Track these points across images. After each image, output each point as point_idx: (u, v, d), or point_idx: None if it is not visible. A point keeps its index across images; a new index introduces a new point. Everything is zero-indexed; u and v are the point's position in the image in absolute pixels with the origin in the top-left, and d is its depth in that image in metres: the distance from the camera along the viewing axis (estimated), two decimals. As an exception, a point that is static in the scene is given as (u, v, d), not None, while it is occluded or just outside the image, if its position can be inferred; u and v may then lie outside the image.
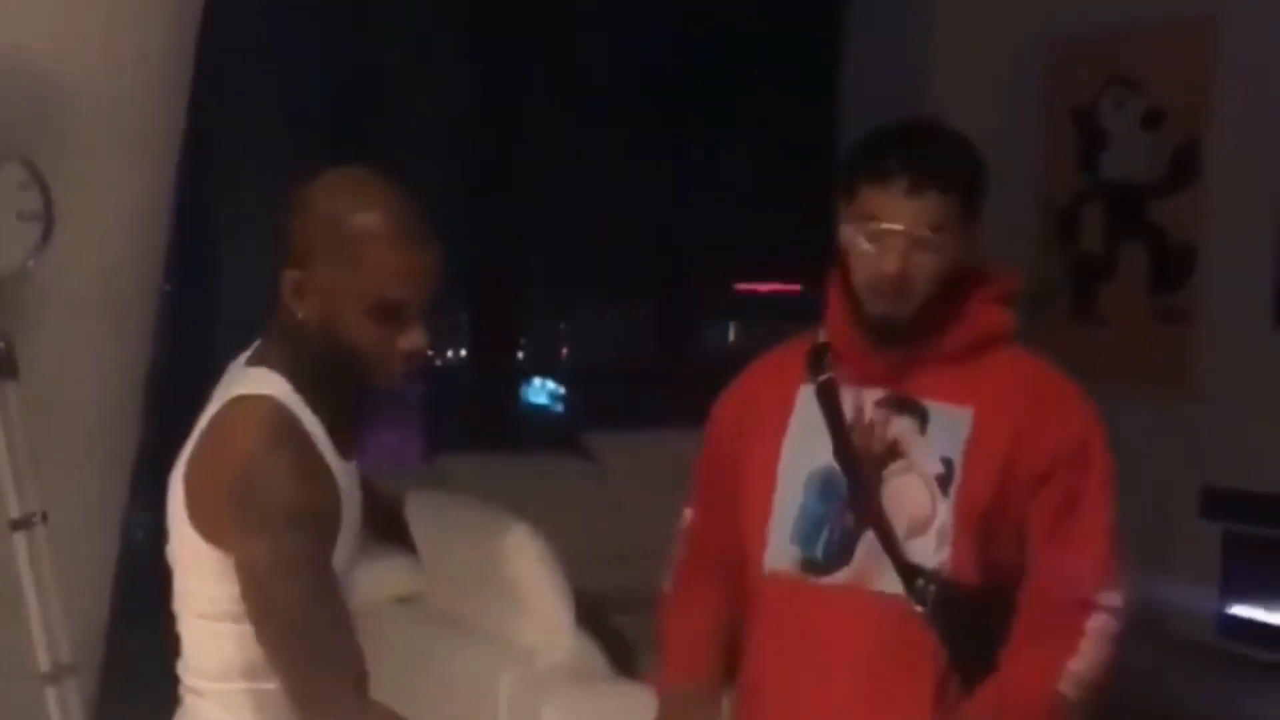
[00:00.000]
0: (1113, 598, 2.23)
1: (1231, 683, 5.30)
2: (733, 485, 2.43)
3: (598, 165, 10.76)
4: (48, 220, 3.55)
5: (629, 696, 3.68)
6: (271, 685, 1.89)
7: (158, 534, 2.00)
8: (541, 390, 12.66)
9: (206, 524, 1.88)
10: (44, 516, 3.56)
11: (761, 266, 11.43)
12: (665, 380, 11.29)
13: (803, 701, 2.30)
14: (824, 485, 2.31)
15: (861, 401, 2.31)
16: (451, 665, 4.09)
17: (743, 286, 12.05)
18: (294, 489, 1.82)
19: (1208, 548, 5.69)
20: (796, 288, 11.15)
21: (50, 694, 3.52)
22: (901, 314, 2.24)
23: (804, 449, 2.33)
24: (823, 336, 2.39)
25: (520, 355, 11.48)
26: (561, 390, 12.52)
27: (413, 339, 1.93)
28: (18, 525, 3.52)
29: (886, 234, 2.19)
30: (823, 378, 2.34)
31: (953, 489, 2.23)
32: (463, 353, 11.00)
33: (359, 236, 1.86)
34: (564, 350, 13.09)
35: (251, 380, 1.92)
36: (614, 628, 4.15)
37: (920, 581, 2.23)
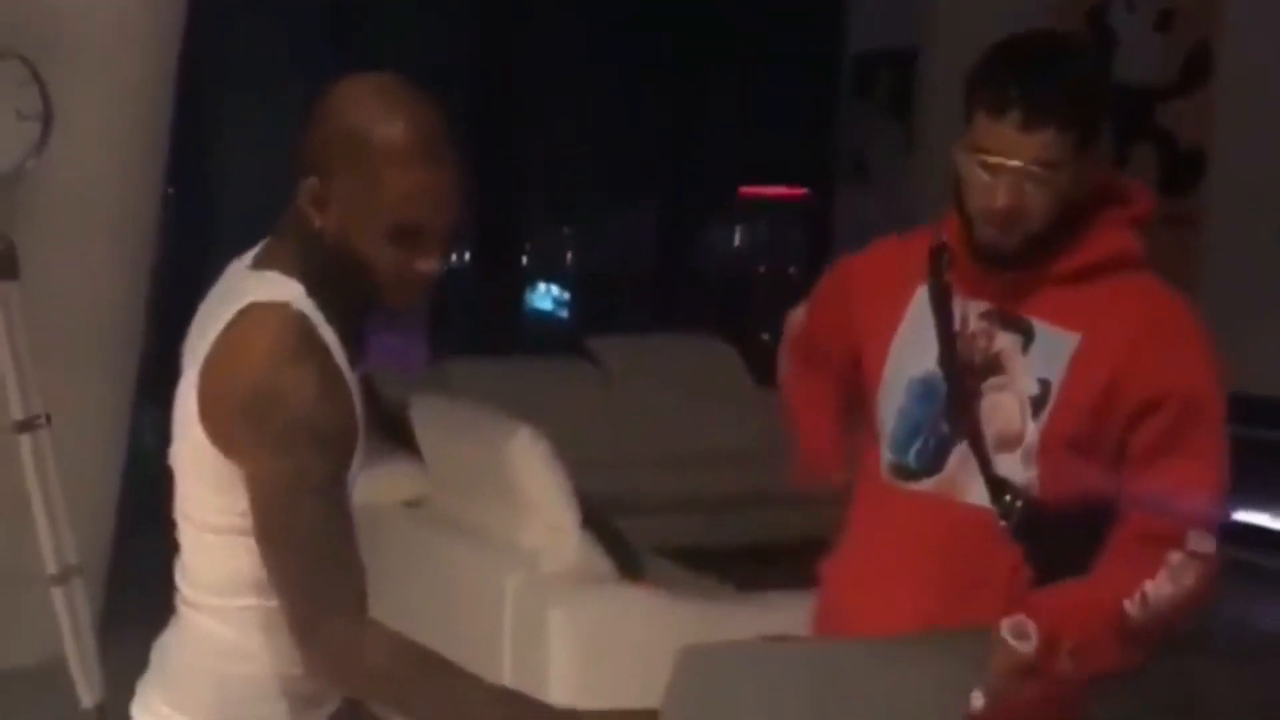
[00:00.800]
0: (1204, 542, 2.16)
1: (1238, 589, 5.32)
2: (841, 351, 2.44)
3: (603, 68, 10.66)
4: (46, 119, 3.52)
5: (634, 599, 3.73)
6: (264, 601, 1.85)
7: (167, 436, 1.98)
8: (546, 295, 12.62)
9: (220, 435, 1.82)
10: (48, 418, 3.57)
11: (766, 170, 11.36)
12: (670, 285, 11.27)
13: (880, 602, 2.29)
14: (925, 391, 2.28)
15: (968, 311, 2.27)
16: (456, 569, 4.11)
17: (747, 190, 11.98)
18: (316, 406, 1.76)
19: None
20: (802, 191, 11.11)
21: (57, 595, 3.55)
22: (1010, 244, 2.17)
23: (911, 352, 2.30)
24: (942, 235, 2.31)
25: (525, 260, 11.46)
26: (566, 296, 12.50)
27: (431, 262, 1.90)
28: (22, 427, 3.53)
29: (999, 167, 2.12)
30: (937, 281, 2.31)
31: (1044, 413, 2.17)
32: (467, 256, 10.98)
33: (381, 154, 1.79)
34: (569, 255, 13.05)
35: (266, 285, 1.85)
36: (618, 531, 4.15)
37: (1008, 497, 2.22)
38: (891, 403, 2.31)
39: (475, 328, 9.97)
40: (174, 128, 4.50)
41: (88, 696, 3.57)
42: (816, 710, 1.71)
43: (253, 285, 1.86)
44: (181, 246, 8.77)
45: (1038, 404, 2.21)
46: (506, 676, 3.77)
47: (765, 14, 10.26)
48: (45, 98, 3.50)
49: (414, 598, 3.91)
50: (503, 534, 3.98)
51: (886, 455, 2.31)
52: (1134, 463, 2.21)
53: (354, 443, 1.85)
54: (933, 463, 2.27)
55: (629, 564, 3.98)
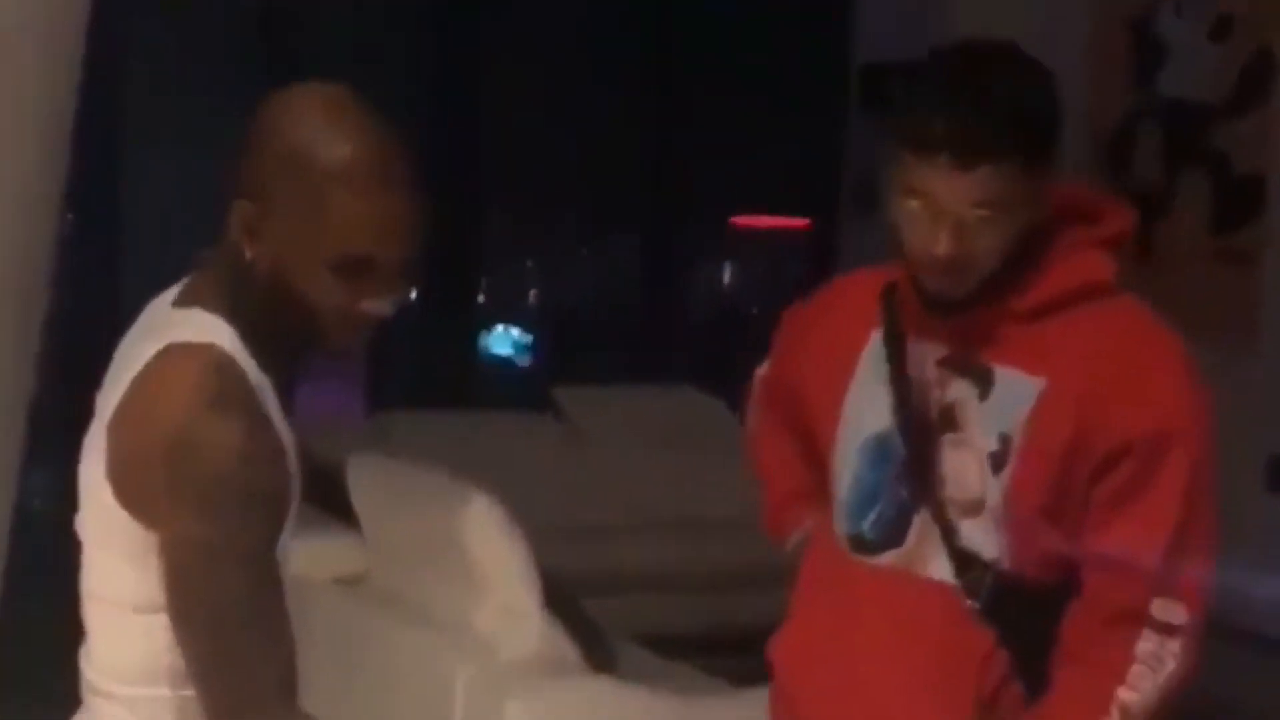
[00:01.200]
0: (1173, 611, 2.18)
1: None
2: (800, 411, 2.53)
3: (575, 78, 10.70)
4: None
5: (604, 694, 3.74)
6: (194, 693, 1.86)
7: (59, 502, 1.98)
8: (505, 338, 12.63)
9: (131, 496, 1.82)
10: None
11: (763, 197, 11.41)
12: (650, 329, 11.29)
13: (842, 691, 2.32)
14: (880, 451, 2.33)
15: (924, 358, 2.31)
16: (399, 658, 4.12)
17: (742, 221, 12.03)
18: (242, 461, 1.77)
19: (1277, 525, 5.72)
20: (803, 222, 11.15)
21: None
22: (957, 292, 2.22)
23: (865, 408, 2.35)
24: (897, 275, 2.38)
25: (480, 298, 11.47)
26: (529, 339, 12.51)
27: (380, 303, 1.91)
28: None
29: (937, 212, 2.13)
30: (890, 327, 2.35)
31: (1005, 472, 2.22)
32: (412, 293, 10.98)
33: (325, 176, 1.80)
34: (532, 293, 13.06)
35: (190, 325, 1.87)
36: (587, 614, 4.17)
37: (975, 573, 2.24)
38: (845, 466, 2.35)
39: (422, 375, 9.96)
40: (76, 142, 4.51)
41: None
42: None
43: (174, 325, 1.87)
44: (83, 281, 8.76)
45: (997, 461, 2.25)
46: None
47: (763, 21, 10.33)
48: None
49: (349, 689, 3.92)
50: (453, 616, 4.01)
51: (842, 526, 2.34)
52: (1091, 520, 2.24)
53: (287, 505, 1.87)
54: (892, 534, 2.31)
55: (599, 652, 4.01)
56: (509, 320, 12.98)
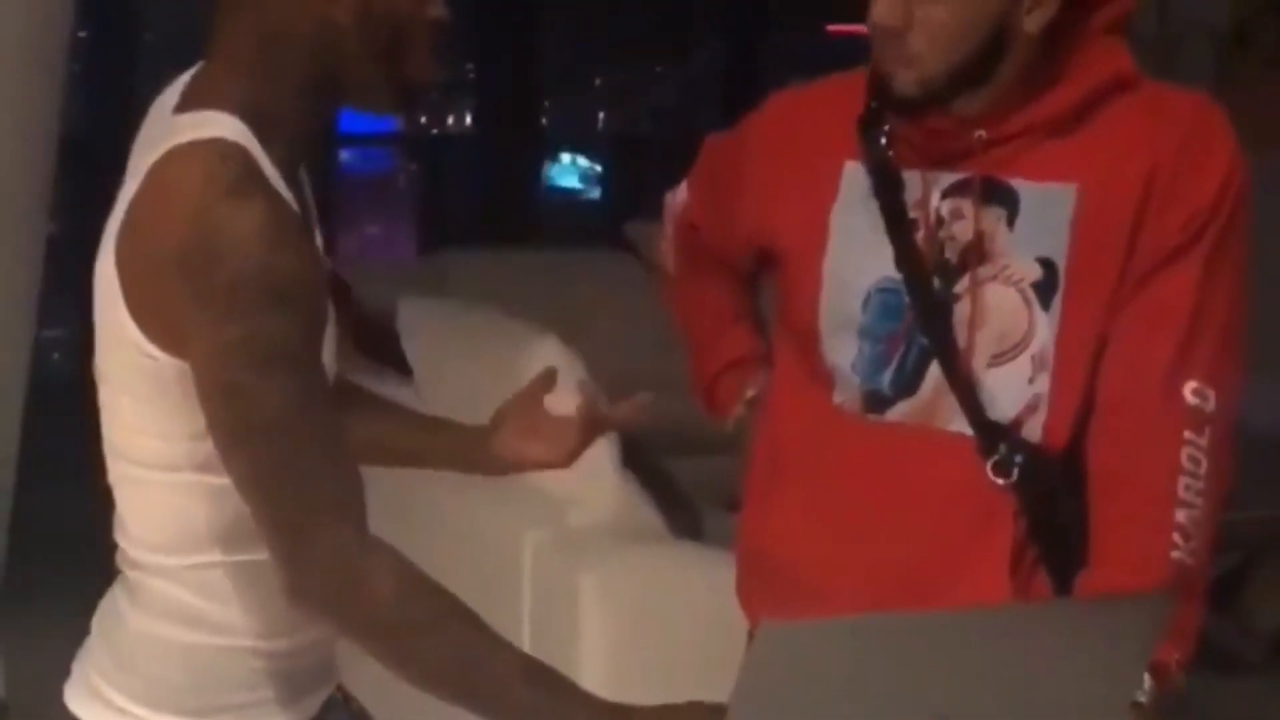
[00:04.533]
0: (1205, 393, 2.21)
1: None
2: (740, 249, 2.54)
3: None
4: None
5: (688, 563, 3.74)
6: (253, 556, 1.86)
7: (79, 352, 1.97)
8: (573, 169, 12.60)
9: (152, 316, 1.79)
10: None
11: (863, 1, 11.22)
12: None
13: (849, 566, 2.35)
14: (886, 305, 2.33)
15: (927, 189, 2.30)
16: (461, 522, 4.13)
17: (837, 29, 11.89)
18: (268, 251, 1.73)
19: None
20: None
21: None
22: (909, 82, 2.21)
23: (858, 258, 2.34)
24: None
25: (544, 123, 11.42)
26: (599, 169, 12.46)
27: (435, 7, 1.91)
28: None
29: None
30: (875, 153, 2.33)
31: (1056, 302, 2.24)
32: (468, 120, 10.95)
33: None
34: (601, 116, 12.99)
35: (196, 125, 1.82)
36: (669, 476, 4.18)
37: (1003, 447, 2.26)
38: (843, 328, 2.34)
39: (480, 210, 9.96)
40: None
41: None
42: (920, 690, 1.75)
43: (182, 129, 1.83)
44: (99, 103, 8.77)
45: (1044, 292, 2.24)
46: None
47: None
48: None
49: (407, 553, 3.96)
50: (519, 478, 4.00)
51: (848, 388, 2.34)
52: (1125, 296, 2.23)
53: (324, 305, 1.84)
54: (909, 382, 2.32)
55: (682, 517, 4.01)
56: (575, 148, 12.93)
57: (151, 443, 1.87)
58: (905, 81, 2.21)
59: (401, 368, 4.51)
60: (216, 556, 1.90)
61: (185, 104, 1.87)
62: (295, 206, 1.83)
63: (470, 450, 2.34)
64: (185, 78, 1.93)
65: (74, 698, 1.95)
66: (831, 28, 12.02)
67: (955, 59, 2.19)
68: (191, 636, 1.92)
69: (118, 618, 1.97)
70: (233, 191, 1.74)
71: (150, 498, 1.91)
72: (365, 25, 1.85)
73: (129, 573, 1.96)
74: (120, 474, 1.93)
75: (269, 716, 1.97)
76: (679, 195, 2.72)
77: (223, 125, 1.80)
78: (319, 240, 1.96)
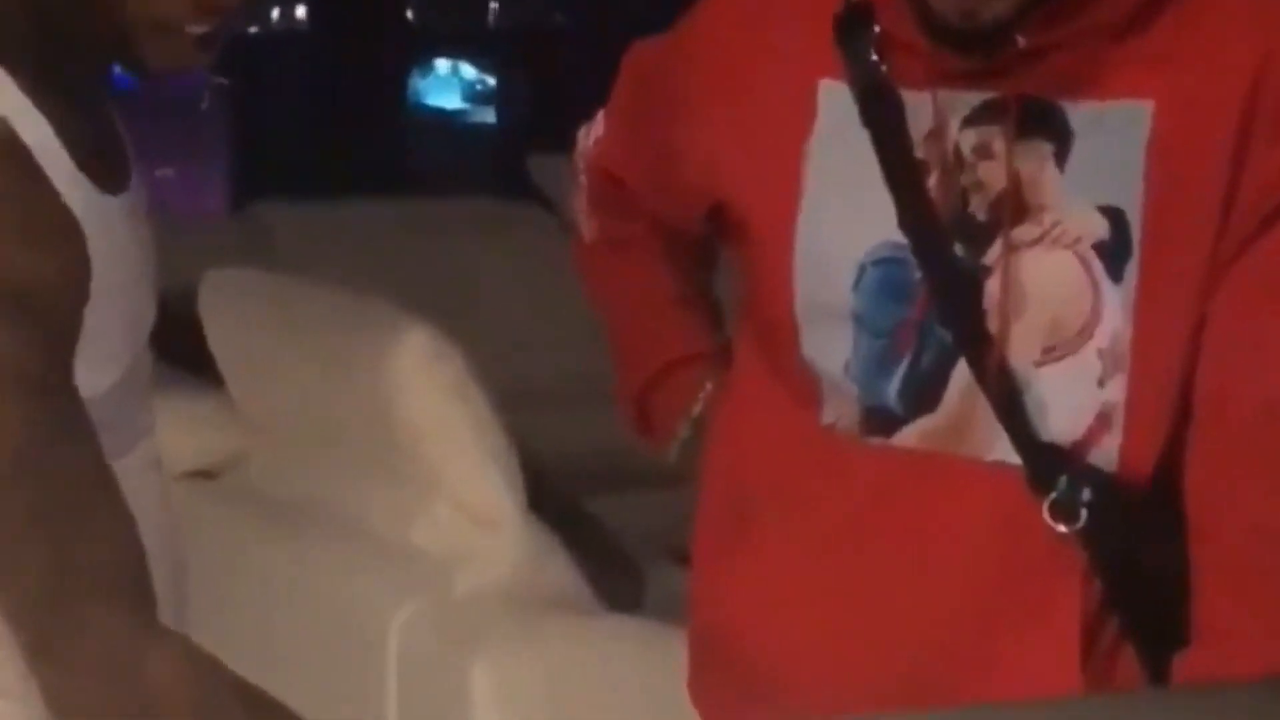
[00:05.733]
0: None
1: None
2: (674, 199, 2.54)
3: None
4: None
5: (621, 638, 3.73)
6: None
7: None
8: (450, 81, 12.55)
9: None
10: None
11: None
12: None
13: (845, 654, 2.32)
14: (887, 280, 2.29)
15: (942, 117, 2.26)
16: (298, 591, 4.10)
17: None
18: None
19: None
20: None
21: None
22: (999, 10, 2.16)
23: (842, 217, 2.30)
24: None
25: (409, 16, 11.36)
26: (487, 80, 12.43)
27: None
28: None
29: None
30: (864, 71, 2.30)
31: (1131, 266, 2.21)
32: (299, 11, 10.89)
33: None
34: (491, 6, 12.98)
35: None
36: (591, 517, 4.16)
37: (1063, 480, 2.24)
38: (824, 312, 2.31)
39: (318, 145, 9.90)
40: None
41: None
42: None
43: None
44: None
45: (1113, 255, 2.21)
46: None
47: None
48: None
49: (215, 643, 3.93)
50: (381, 525, 3.98)
51: (846, 397, 2.31)
52: (1228, 258, 2.21)
53: (76, 315, 1.84)
54: (926, 392, 2.28)
55: (613, 577, 4.00)
56: (455, 51, 12.84)
57: None
58: (999, 6, 2.15)
59: (208, 369, 4.47)
60: None
61: None
62: (71, 175, 1.85)
63: None
64: None
65: None
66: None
67: None
68: None
69: None
70: None
71: None
72: None
73: None
74: None
75: None
76: (594, 129, 2.68)
77: None
78: (134, 180, 1.97)
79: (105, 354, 1.89)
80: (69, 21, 1.88)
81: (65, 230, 1.87)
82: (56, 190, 1.87)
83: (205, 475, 4.53)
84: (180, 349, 4.40)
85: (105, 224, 1.89)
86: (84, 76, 1.95)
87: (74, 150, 1.88)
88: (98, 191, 1.90)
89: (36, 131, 1.85)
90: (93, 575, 1.81)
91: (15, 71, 1.85)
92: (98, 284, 1.89)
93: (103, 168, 1.92)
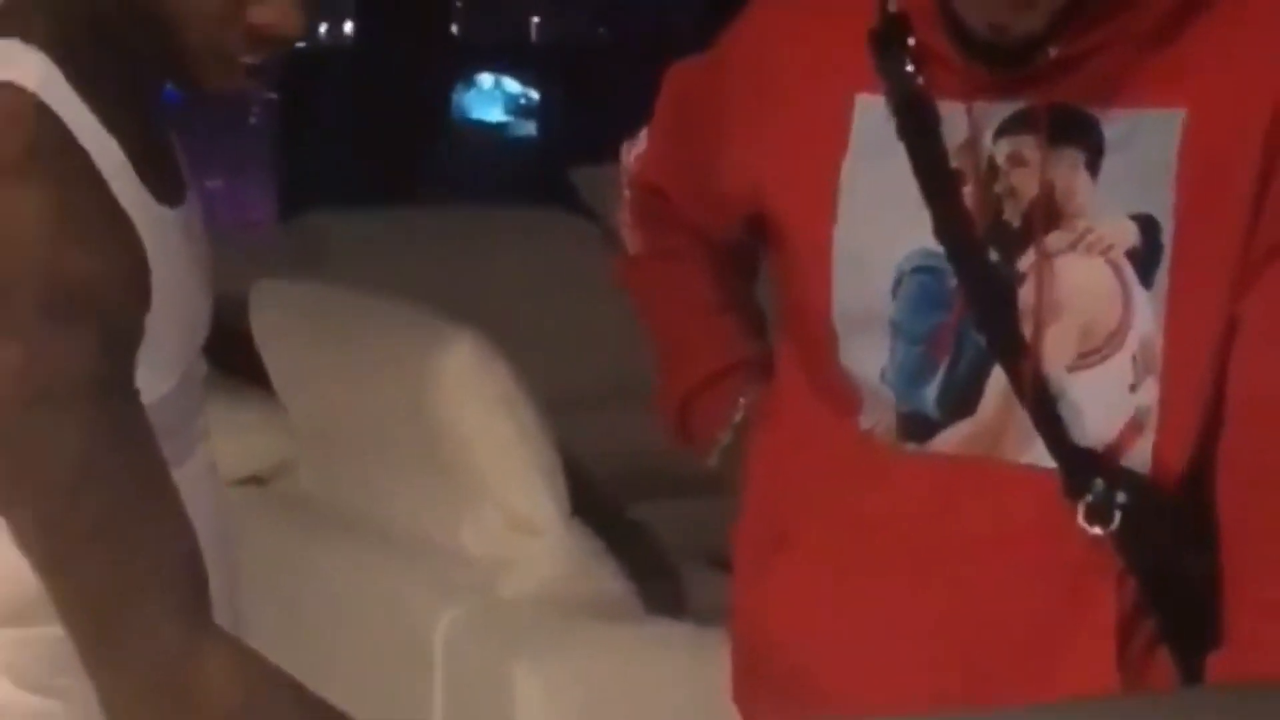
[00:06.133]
0: None
1: None
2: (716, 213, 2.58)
3: None
4: None
5: (663, 643, 3.74)
6: (50, 628, 1.88)
7: None
8: (493, 95, 12.57)
9: None
10: None
11: None
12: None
13: (886, 661, 2.34)
14: (924, 288, 2.31)
15: (977, 127, 2.29)
16: (346, 594, 4.11)
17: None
18: (49, 244, 1.79)
19: None
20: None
21: None
22: (1031, 25, 2.20)
23: (880, 227, 2.32)
24: (895, 1, 2.33)
25: (454, 31, 11.37)
26: (530, 94, 12.45)
27: (278, 7, 1.92)
28: None
29: None
30: (900, 86, 2.33)
31: (1160, 273, 2.23)
32: (348, 27, 10.91)
33: None
34: (533, 22, 12.99)
35: None
36: (634, 524, 4.17)
37: (1098, 483, 2.25)
38: (863, 320, 2.33)
39: (366, 156, 9.89)
40: None
41: None
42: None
43: None
44: None
45: (1144, 261, 2.23)
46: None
47: None
48: None
49: (267, 645, 3.95)
50: (428, 530, 4.00)
51: (884, 403, 2.34)
52: (1260, 263, 2.22)
53: (136, 318, 1.87)
54: (962, 401, 2.30)
55: (655, 582, 4.01)
56: (499, 65, 12.87)
57: None
58: (1030, 22, 2.18)
59: (259, 382, 4.49)
60: (14, 628, 1.98)
61: None
62: (122, 156, 1.87)
63: None
64: None
65: None
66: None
67: None
68: None
69: None
70: (10, 170, 1.79)
71: None
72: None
73: None
74: None
75: None
76: (638, 146, 2.71)
77: (16, 62, 1.84)
78: (190, 195, 2.00)
79: (163, 360, 1.91)
80: (133, 46, 1.90)
81: (126, 239, 1.88)
82: (118, 201, 1.87)
83: (256, 481, 4.55)
84: (231, 357, 4.45)
85: (163, 235, 1.91)
86: (143, 95, 1.97)
87: (135, 164, 1.90)
88: (156, 204, 1.92)
89: (101, 146, 1.86)
90: (150, 579, 1.82)
91: (81, 90, 1.87)
92: (157, 292, 1.90)
93: (160, 182, 1.94)
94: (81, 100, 1.86)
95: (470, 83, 11.97)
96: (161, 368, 1.90)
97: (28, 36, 1.87)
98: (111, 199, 1.86)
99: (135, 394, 1.83)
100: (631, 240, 2.74)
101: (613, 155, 2.79)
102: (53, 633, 1.87)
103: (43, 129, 1.82)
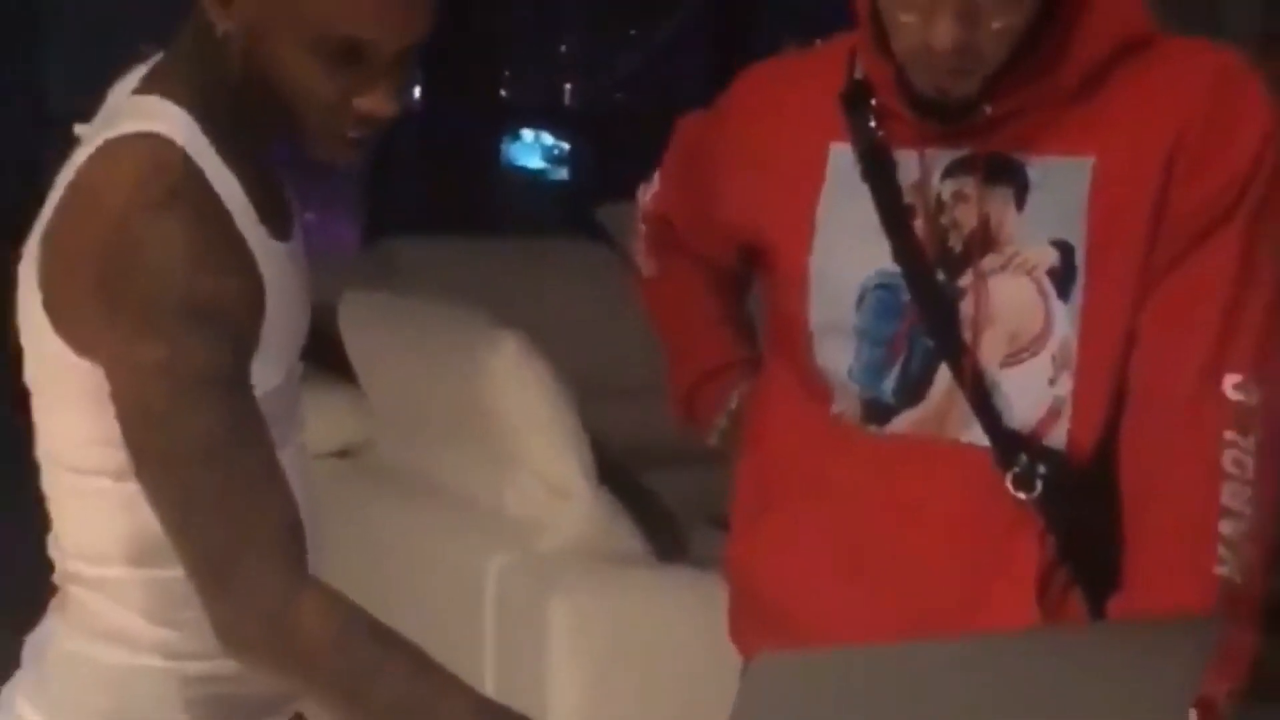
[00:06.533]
0: (1248, 388, 2.20)
1: None
2: (718, 245, 2.57)
3: None
4: None
5: (672, 585, 3.78)
6: (178, 573, 1.88)
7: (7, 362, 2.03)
8: (534, 147, 12.59)
9: (67, 319, 1.88)
10: None
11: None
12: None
13: (852, 601, 2.35)
14: (884, 301, 2.34)
15: (926, 170, 2.31)
16: (415, 546, 4.18)
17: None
18: (188, 268, 1.82)
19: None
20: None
21: None
22: (971, 87, 2.20)
23: (846, 249, 2.35)
24: (860, 69, 2.35)
25: (503, 95, 11.40)
26: (564, 146, 12.44)
27: (378, 99, 1.93)
28: None
29: None
30: (863, 137, 2.33)
31: (1076, 290, 2.24)
32: (416, 92, 10.95)
33: None
34: (567, 88, 12.97)
35: (138, 113, 1.91)
36: (648, 490, 4.18)
37: (1023, 458, 2.28)
38: (833, 327, 2.36)
39: (431, 194, 9.93)
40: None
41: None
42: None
43: (123, 116, 1.90)
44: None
45: (1062, 279, 2.24)
46: (489, 692, 3.79)
47: None
48: None
49: (351, 587, 3.97)
50: (480, 493, 4.04)
51: (846, 397, 2.37)
52: (1154, 281, 2.21)
53: (254, 332, 1.90)
54: (914, 388, 2.33)
55: (665, 537, 4.02)
56: (538, 123, 12.90)
57: (74, 447, 1.96)
58: (967, 87, 2.20)
59: (345, 373, 4.53)
60: (142, 569, 1.97)
61: (143, 86, 1.96)
62: (251, 221, 1.90)
63: None
64: (158, 57, 2.00)
65: None
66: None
67: (1013, 50, 2.17)
68: (114, 656, 2.00)
69: (48, 637, 2.05)
70: (157, 204, 1.83)
71: (75, 501, 1.99)
72: (255, 68, 1.90)
73: (65, 586, 2.04)
74: (50, 478, 2.01)
75: None
76: (650, 188, 2.75)
77: (166, 118, 1.89)
78: (296, 229, 2.04)
79: (272, 361, 1.97)
80: (257, 115, 1.93)
81: (247, 265, 1.92)
82: (242, 235, 1.92)
83: (343, 454, 4.72)
84: (324, 355, 4.48)
85: (276, 263, 1.96)
86: (263, 150, 2.00)
87: (255, 205, 1.93)
88: (270, 239, 1.95)
89: (229, 190, 1.92)
90: (260, 535, 1.83)
91: (215, 144, 1.90)
92: (269, 308, 1.95)
93: (274, 219, 1.98)
94: (215, 153, 1.90)
95: (515, 136, 11.92)
96: (271, 366, 1.95)
97: (175, 97, 1.91)
98: (237, 233, 1.91)
99: (251, 389, 1.86)
100: (646, 264, 2.79)
101: (631, 195, 2.82)
102: (174, 575, 1.89)
103: (185, 174, 1.86)
